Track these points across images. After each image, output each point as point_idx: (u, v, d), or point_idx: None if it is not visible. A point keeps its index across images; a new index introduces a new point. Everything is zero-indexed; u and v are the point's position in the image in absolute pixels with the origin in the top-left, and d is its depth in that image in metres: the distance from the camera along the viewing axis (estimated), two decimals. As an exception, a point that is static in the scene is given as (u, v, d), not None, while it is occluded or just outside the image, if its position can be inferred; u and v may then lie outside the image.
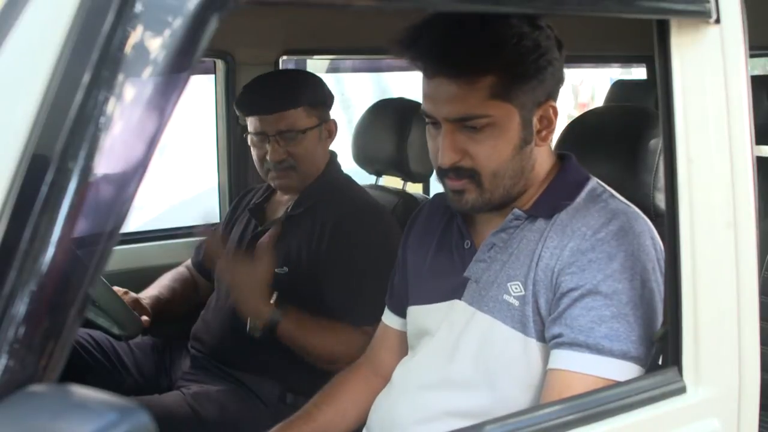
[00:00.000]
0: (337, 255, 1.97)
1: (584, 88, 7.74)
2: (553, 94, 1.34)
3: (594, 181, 1.38)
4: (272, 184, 2.15)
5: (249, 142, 2.12)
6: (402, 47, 1.30)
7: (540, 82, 1.30)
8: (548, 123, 1.34)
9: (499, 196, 1.34)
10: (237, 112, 2.15)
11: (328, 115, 2.15)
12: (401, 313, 1.57)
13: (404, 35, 1.30)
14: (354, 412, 1.57)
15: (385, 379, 1.57)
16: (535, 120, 1.32)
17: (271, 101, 2.06)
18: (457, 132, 1.30)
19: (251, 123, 2.09)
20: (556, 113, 1.35)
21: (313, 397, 1.61)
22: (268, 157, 2.05)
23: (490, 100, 1.28)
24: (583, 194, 1.34)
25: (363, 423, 1.55)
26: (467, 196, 1.34)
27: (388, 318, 1.62)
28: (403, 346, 1.56)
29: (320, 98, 2.12)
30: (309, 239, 2.01)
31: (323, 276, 1.97)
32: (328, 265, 1.97)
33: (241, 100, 2.13)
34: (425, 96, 1.33)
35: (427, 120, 1.36)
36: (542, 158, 1.38)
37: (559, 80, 1.35)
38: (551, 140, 1.38)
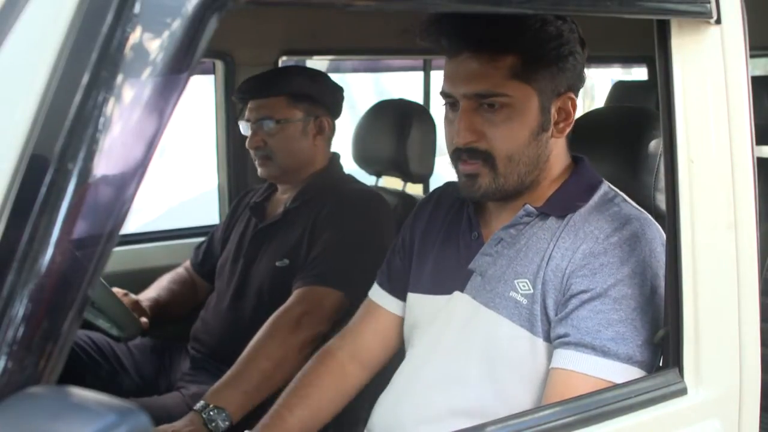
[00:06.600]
0: (326, 230, 1.99)
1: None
2: (573, 87, 1.34)
3: (606, 185, 1.38)
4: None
5: None
6: (427, 26, 1.31)
7: (561, 71, 1.31)
8: (566, 116, 1.34)
9: (513, 183, 1.33)
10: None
11: (320, 112, 2.13)
12: (400, 296, 1.53)
13: (430, 15, 1.31)
14: (328, 411, 1.52)
15: (364, 366, 1.54)
16: (553, 110, 1.33)
17: (253, 88, 2.11)
18: (474, 112, 1.31)
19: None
20: (575, 107, 1.35)
21: (284, 392, 1.52)
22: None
23: (510, 80, 1.29)
24: (596, 197, 1.34)
25: (338, 413, 1.52)
26: (480, 181, 1.33)
27: (383, 298, 1.56)
28: (392, 333, 1.53)
29: (308, 92, 2.10)
30: (307, 230, 2.02)
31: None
32: (319, 241, 1.98)
33: (237, 88, 2.20)
34: (446, 77, 1.34)
35: (444, 103, 1.36)
36: (558, 151, 1.37)
37: (580, 75, 1.35)
38: (567, 134, 1.37)
